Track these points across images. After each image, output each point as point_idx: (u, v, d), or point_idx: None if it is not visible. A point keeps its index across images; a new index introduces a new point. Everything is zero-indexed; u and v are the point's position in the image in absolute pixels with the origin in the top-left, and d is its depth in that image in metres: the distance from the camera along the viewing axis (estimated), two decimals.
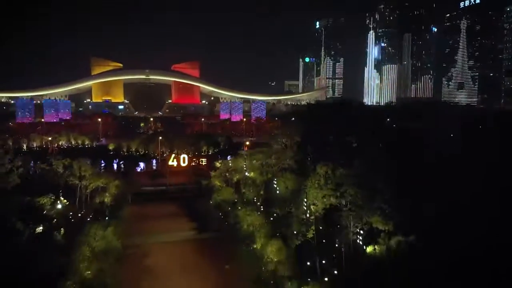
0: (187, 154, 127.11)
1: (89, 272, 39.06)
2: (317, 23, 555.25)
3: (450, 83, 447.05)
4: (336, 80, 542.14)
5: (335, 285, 35.53)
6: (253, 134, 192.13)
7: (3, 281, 28.93)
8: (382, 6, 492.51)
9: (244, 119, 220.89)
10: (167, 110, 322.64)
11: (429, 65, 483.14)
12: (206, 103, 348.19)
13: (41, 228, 45.21)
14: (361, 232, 37.61)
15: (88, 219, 57.84)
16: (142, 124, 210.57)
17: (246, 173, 69.88)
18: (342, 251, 38.39)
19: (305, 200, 47.51)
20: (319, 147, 64.93)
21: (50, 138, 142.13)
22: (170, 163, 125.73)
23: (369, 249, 35.69)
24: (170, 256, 53.83)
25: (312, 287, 35.55)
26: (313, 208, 45.54)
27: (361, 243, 37.13)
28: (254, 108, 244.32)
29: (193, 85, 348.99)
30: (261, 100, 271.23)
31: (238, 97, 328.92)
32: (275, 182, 57.17)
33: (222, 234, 61.57)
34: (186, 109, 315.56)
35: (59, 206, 53.33)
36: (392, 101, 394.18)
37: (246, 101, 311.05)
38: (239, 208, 59.55)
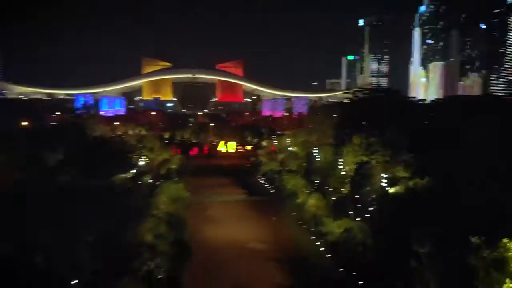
0: (235, 142, 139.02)
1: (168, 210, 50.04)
2: (361, 20, 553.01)
3: (499, 80, 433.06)
4: (381, 78, 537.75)
5: (365, 221, 44.15)
6: (295, 128, 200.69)
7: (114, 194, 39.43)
8: (428, 2, 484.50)
9: (286, 114, 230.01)
10: (212, 108, 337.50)
11: (477, 62, 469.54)
12: (249, 101, 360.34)
13: (134, 171, 57.81)
14: (386, 180, 45.88)
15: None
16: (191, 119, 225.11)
17: (290, 148, 79.45)
18: (370, 196, 46.85)
19: (341, 162, 56.22)
20: (357, 127, 72.26)
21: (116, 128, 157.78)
22: (219, 148, 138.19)
23: (391, 190, 43.80)
24: (226, 211, 64.57)
25: (344, 222, 44.23)
26: (347, 168, 54.27)
27: (386, 187, 45.39)
28: (296, 103, 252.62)
29: (236, 83, 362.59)
30: (302, 97, 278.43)
31: (279, 95, 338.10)
32: (315, 154, 65.91)
33: (269, 197, 72.45)
34: (230, 107, 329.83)
35: (143, 163, 65.17)
36: (438, 98, 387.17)
37: (288, 99, 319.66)
38: (284, 175, 69.41)
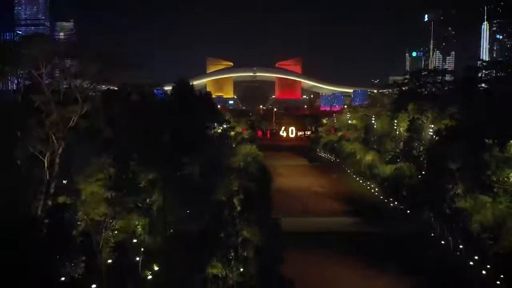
0: (294, 127, 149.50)
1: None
2: (426, 15, 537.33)
3: None
4: (447, 74, 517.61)
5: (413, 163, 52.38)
6: None
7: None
8: None
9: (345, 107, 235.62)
10: (270, 106, 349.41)
11: None
12: (307, 98, 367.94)
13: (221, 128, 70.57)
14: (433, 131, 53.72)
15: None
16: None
17: (349, 121, 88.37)
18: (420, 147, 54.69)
19: (396, 125, 64.39)
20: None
21: None
22: (281, 133, 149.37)
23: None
24: (292, 171, 75.81)
25: (395, 165, 52.56)
26: (401, 129, 62.45)
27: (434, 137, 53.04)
28: (355, 97, 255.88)
29: (295, 80, 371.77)
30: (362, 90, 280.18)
31: (339, 91, 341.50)
32: (373, 123, 74.15)
33: (329, 164, 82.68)
34: (288, 104, 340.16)
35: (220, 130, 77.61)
36: None
37: (347, 95, 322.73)
38: (343, 142, 78.95)
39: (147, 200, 28.51)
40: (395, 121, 66.16)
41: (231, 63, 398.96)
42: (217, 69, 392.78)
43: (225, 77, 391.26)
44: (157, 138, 36.07)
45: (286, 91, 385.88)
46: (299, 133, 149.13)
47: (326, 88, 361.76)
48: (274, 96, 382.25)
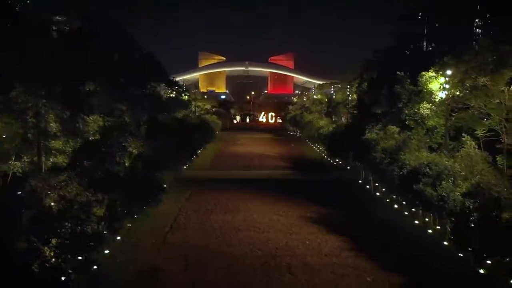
0: (274, 113, 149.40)
1: None
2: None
3: None
4: None
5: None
6: None
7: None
8: None
9: None
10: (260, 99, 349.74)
11: None
12: (299, 93, 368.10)
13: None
14: None
15: None
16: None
17: (314, 96, 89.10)
18: None
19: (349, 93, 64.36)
20: None
21: None
22: (260, 119, 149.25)
23: None
24: (251, 142, 76.35)
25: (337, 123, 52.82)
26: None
27: None
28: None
29: (287, 76, 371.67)
30: None
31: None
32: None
33: (293, 138, 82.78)
34: (280, 99, 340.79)
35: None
36: None
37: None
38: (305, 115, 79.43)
39: None
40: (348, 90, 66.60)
41: (224, 58, 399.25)
42: (209, 63, 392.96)
43: (217, 72, 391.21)
44: None
45: (279, 86, 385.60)
46: (279, 120, 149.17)
47: (318, 83, 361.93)
48: (266, 91, 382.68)
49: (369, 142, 31.12)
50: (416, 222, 27.62)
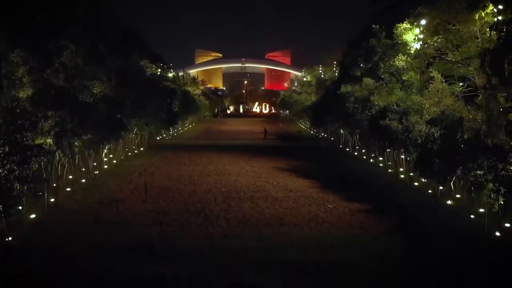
0: (268, 104, 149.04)
1: None
2: None
3: None
4: None
5: None
6: None
7: None
8: None
9: None
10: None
11: None
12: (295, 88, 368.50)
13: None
14: None
15: None
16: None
17: (304, 79, 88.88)
18: None
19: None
20: None
21: None
22: (254, 109, 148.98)
23: None
24: (241, 122, 76.13)
25: None
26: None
27: None
28: None
29: (284, 72, 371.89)
30: None
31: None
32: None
33: (284, 119, 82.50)
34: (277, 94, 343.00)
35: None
36: None
37: None
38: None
39: None
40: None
41: (220, 54, 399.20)
42: (206, 60, 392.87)
43: (214, 68, 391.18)
44: None
45: (276, 82, 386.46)
46: (273, 111, 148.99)
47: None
48: (263, 88, 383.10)
49: (343, 95, 30.80)
50: (390, 171, 27.58)
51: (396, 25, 30.87)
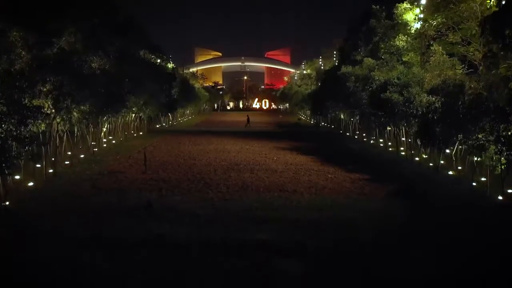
0: (267, 100, 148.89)
1: None
2: None
3: None
4: None
5: None
6: None
7: None
8: None
9: None
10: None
11: None
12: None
13: None
14: None
15: None
16: None
17: (304, 72, 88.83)
18: None
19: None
20: None
21: None
22: (254, 105, 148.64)
23: None
24: (242, 114, 75.06)
25: None
26: None
27: None
28: None
29: (283, 71, 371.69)
30: None
31: None
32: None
33: (284, 112, 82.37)
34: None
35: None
36: None
37: None
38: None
39: None
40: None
41: (220, 53, 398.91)
42: (205, 58, 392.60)
43: (213, 67, 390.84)
44: None
45: (276, 81, 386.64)
46: (273, 106, 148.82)
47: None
48: (263, 87, 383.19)
49: (344, 75, 30.63)
50: (390, 149, 27.50)
51: (397, 5, 30.75)
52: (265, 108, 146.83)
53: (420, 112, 20.10)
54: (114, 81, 22.61)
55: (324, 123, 50.51)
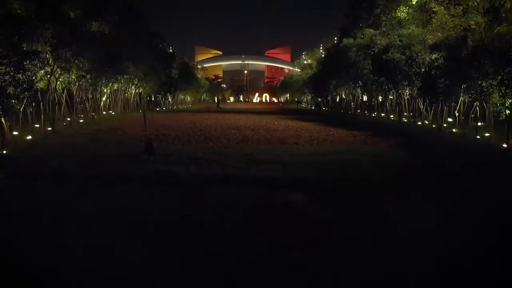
0: (267, 94, 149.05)
1: None
2: None
3: None
4: None
5: None
6: None
7: None
8: None
9: None
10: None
11: None
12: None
13: None
14: None
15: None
16: None
17: (304, 62, 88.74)
18: None
19: None
20: None
21: None
22: (254, 100, 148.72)
23: None
24: (243, 104, 75.24)
25: None
26: None
27: None
28: None
29: (283, 69, 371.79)
30: None
31: None
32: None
33: (285, 103, 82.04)
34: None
35: None
36: None
37: None
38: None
39: None
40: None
41: (220, 52, 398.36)
42: (205, 57, 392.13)
43: (214, 66, 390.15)
44: None
45: (276, 80, 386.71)
46: (274, 99, 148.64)
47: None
48: (263, 85, 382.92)
49: (345, 46, 30.41)
50: (392, 118, 27.34)
51: None
52: (264, 102, 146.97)
53: (423, 70, 19.88)
54: (113, 44, 22.38)
55: (325, 108, 50.30)
